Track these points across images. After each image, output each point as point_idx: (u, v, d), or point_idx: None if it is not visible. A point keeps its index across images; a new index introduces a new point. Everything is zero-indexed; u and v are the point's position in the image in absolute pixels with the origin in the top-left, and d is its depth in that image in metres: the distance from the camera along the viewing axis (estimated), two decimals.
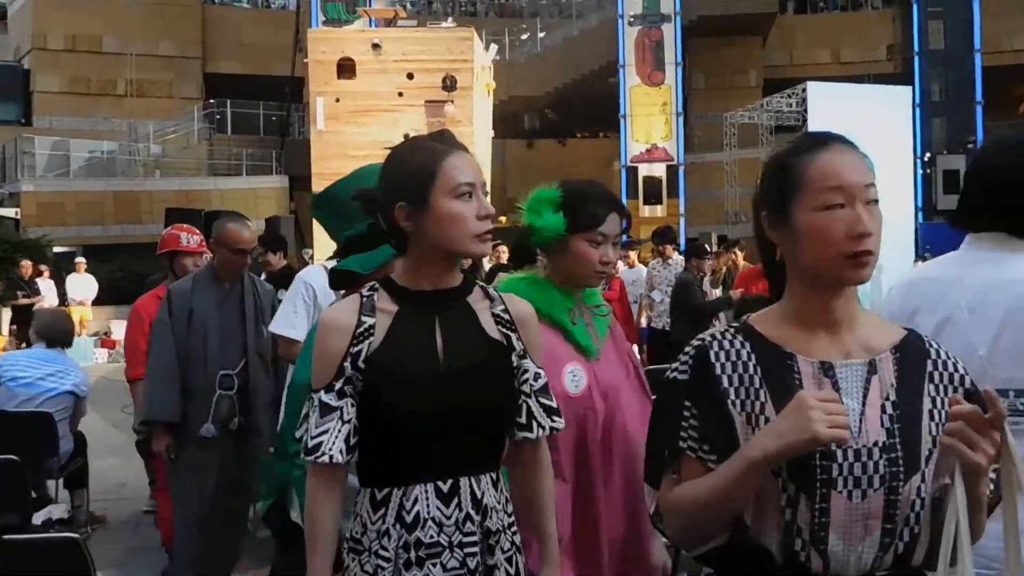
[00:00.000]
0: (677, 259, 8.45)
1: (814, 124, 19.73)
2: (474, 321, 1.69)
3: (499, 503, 1.69)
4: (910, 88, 21.80)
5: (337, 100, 15.77)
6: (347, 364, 1.61)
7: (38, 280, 14.59)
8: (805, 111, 20.06)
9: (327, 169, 15.91)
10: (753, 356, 1.33)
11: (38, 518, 4.60)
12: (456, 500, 1.64)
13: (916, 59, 23.71)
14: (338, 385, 1.61)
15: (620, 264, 9.02)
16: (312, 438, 1.59)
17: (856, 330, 1.35)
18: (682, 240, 21.05)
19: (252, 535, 4.06)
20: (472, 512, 1.65)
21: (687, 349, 1.39)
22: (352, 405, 1.61)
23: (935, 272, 1.92)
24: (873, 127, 17.95)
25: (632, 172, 22.74)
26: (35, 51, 24.88)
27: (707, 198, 23.57)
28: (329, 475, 1.62)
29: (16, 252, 16.39)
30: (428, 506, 1.62)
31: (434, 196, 1.60)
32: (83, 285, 15.52)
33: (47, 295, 14.40)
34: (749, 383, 1.31)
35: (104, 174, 22.89)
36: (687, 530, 1.36)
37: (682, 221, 22.27)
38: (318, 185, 15.99)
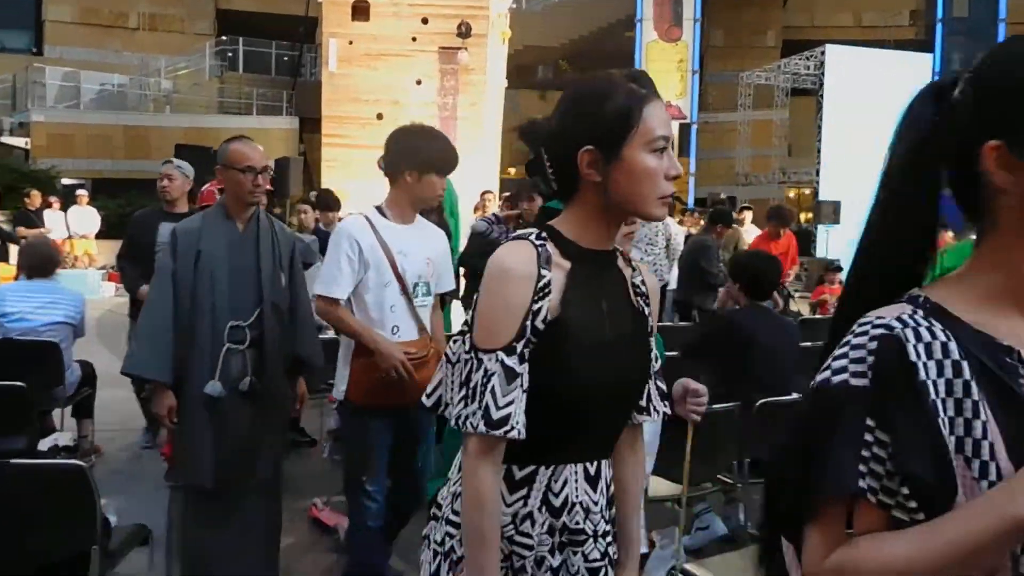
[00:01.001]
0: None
1: (831, 88, 19.52)
2: (625, 289, 1.54)
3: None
4: (930, 56, 21.51)
5: (350, 43, 15.60)
6: (528, 323, 1.39)
7: (46, 212, 14.61)
8: (823, 74, 19.80)
9: (338, 112, 15.83)
10: (961, 352, 0.93)
11: (44, 444, 4.70)
12: (600, 485, 1.51)
13: (939, 26, 23.31)
14: (519, 347, 1.39)
15: None
16: (498, 408, 1.37)
17: None
18: (691, 200, 21.01)
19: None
20: (610, 499, 1.54)
21: (857, 339, 0.95)
22: (527, 371, 1.40)
23: None
24: (890, 94, 17.76)
25: None
26: None
27: (718, 158, 23.42)
28: (499, 453, 1.41)
29: (25, 182, 16.41)
30: (577, 489, 1.48)
31: (630, 147, 1.39)
32: (85, 218, 15.49)
33: (55, 227, 14.44)
34: (964, 392, 0.91)
35: (114, 107, 22.77)
36: None
37: (692, 180, 22.16)
38: (328, 128, 15.93)
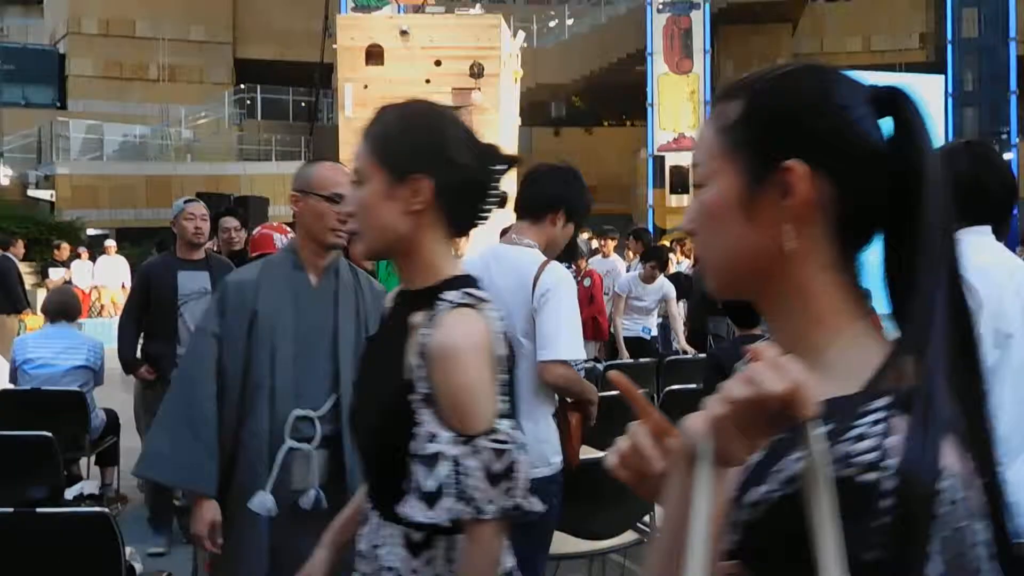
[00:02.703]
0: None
1: None
2: None
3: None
4: (942, 77, 21.51)
5: (365, 86, 15.86)
6: None
7: (75, 263, 14.86)
8: None
9: (355, 155, 16.05)
10: None
11: (70, 493, 4.76)
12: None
13: (949, 48, 23.32)
14: None
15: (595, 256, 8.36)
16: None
17: None
18: None
19: None
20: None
21: None
22: None
23: (988, 260, 1.95)
24: None
25: (659, 161, 22.62)
26: (70, 35, 25.24)
27: None
28: None
29: (51, 234, 16.71)
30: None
31: None
32: (114, 267, 15.75)
33: (82, 277, 14.68)
34: None
35: (137, 158, 23.20)
36: None
37: None
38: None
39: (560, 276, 2.63)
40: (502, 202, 1.54)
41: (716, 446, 0.70)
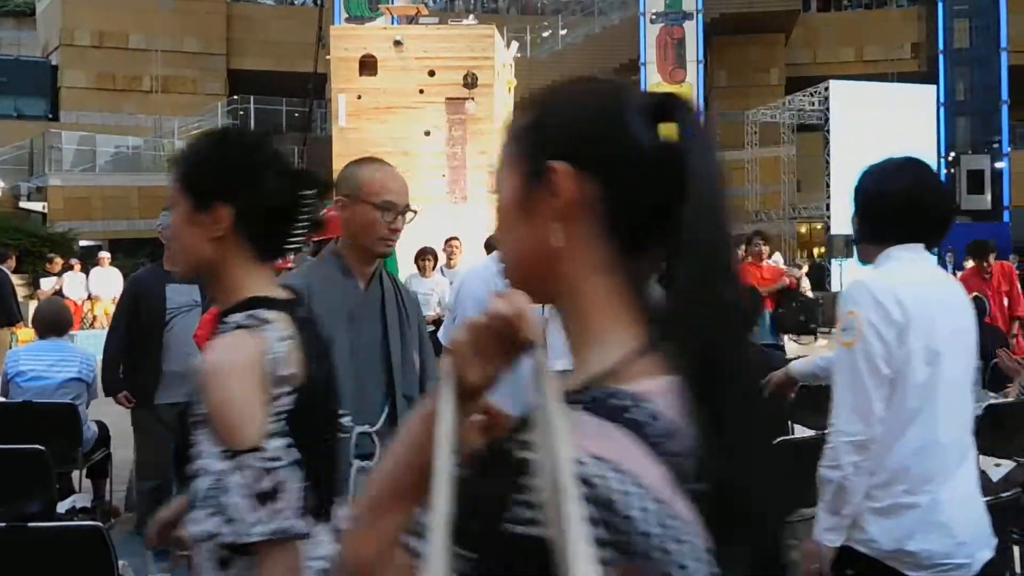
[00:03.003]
0: None
1: (836, 123, 19.62)
2: None
3: None
4: (934, 87, 21.64)
5: (359, 97, 15.86)
6: None
7: (67, 274, 14.78)
8: (828, 110, 19.95)
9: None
10: None
11: (62, 507, 4.71)
12: None
13: (941, 58, 23.48)
14: None
15: None
16: None
17: None
18: None
19: None
20: None
21: None
22: None
23: (920, 278, 1.98)
24: (897, 126, 17.87)
25: None
26: (63, 47, 25.23)
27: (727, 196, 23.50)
28: None
29: (43, 246, 16.65)
30: None
31: None
32: (107, 279, 15.68)
33: (74, 289, 14.59)
34: None
35: (130, 169, 23.17)
36: None
37: None
38: None
39: None
40: (315, 226, 1.57)
41: (455, 370, 0.79)
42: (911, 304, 1.89)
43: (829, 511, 1.92)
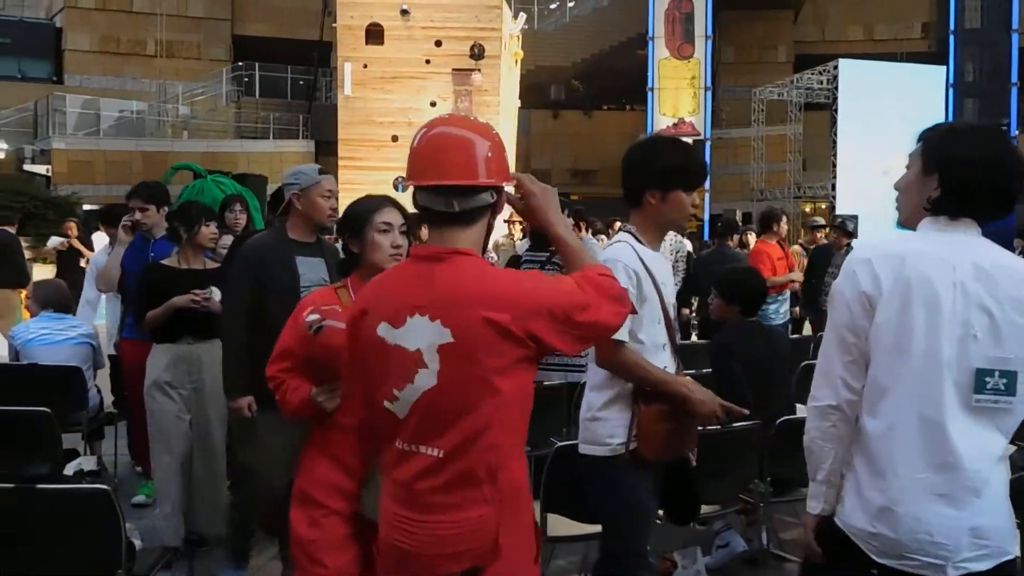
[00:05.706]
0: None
1: (845, 102, 19.50)
2: None
3: None
4: (944, 68, 21.46)
5: (365, 66, 15.77)
6: None
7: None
8: (836, 89, 19.80)
9: (353, 134, 15.96)
10: None
11: (69, 469, 4.76)
12: None
13: (951, 38, 23.27)
14: None
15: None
16: None
17: None
18: (706, 216, 20.99)
19: None
20: None
21: None
22: None
23: (923, 247, 1.86)
24: (904, 107, 17.76)
25: None
26: (67, 9, 25.04)
27: (732, 174, 23.40)
28: None
29: (46, 209, 16.63)
30: None
31: None
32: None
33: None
34: None
35: (133, 134, 23.08)
36: None
37: (706, 197, 22.13)
38: (344, 150, 16.05)
39: (605, 256, 2.61)
40: None
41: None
42: (887, 276, 1.82)
43: (810, 478, 1.96)
